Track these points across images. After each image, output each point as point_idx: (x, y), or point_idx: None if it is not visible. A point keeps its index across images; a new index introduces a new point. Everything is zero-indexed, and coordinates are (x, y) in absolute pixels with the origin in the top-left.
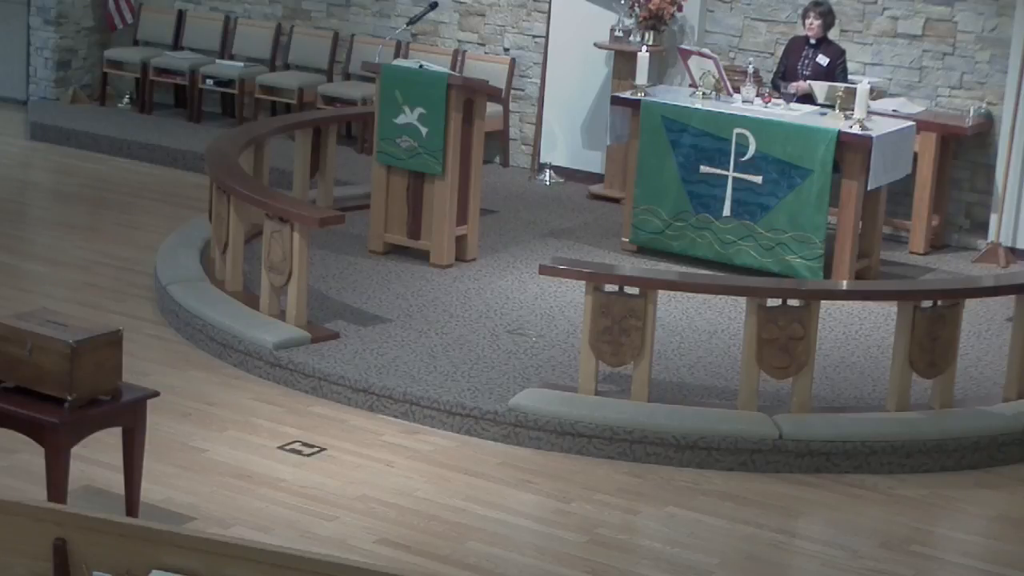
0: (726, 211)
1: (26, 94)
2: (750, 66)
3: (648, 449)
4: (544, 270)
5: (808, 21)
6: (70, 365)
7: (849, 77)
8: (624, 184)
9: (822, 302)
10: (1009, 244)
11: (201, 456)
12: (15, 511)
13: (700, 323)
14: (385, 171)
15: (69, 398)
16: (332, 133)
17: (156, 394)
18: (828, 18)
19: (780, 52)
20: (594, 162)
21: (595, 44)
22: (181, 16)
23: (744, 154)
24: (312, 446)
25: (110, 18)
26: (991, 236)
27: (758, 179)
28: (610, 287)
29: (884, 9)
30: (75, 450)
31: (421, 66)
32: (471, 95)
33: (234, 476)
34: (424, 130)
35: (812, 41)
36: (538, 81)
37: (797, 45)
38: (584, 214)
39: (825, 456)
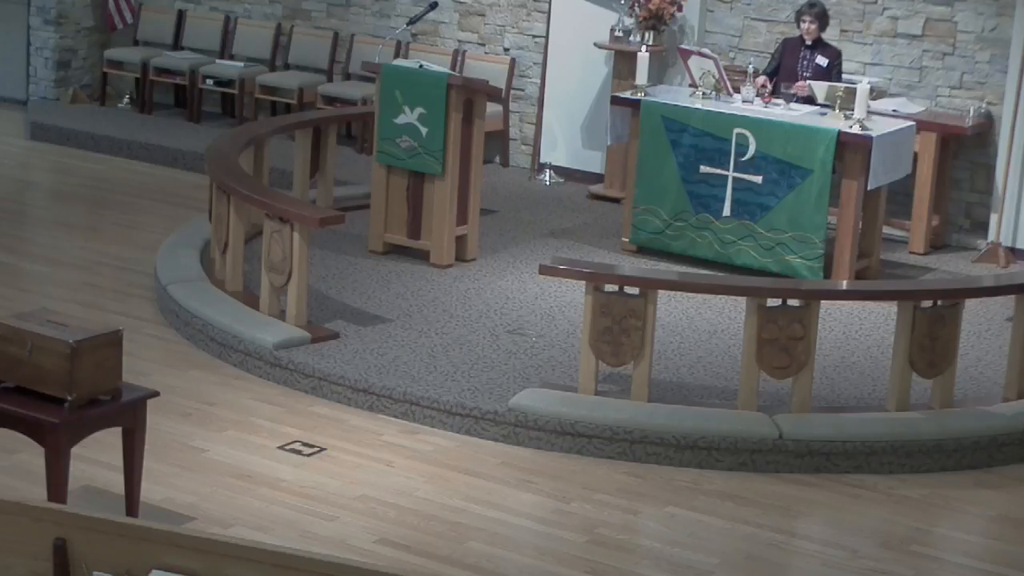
0: (726, 211)
1: (26, 94)
2: (750, 66)
3: (648, 449)
4: (544, 270)
5: (804, 24)
6: (70, 365)
7: (845, 77)
8: (624, 184)
9: (822, 302)
10: (1009, 244)
11: (201, 456)
12: (15, 511)
13: (700, 323)
14: (385, 171)
15: (69, 398)
16: (332, 133)
17: (156, 394)
18: (823, 19)
19: None
20: (594, 162)
21: (595, 44)
22: (181, 16)
23: (744, 154)
24: (312, 446)
25: (110, 18)
26: (991, 236)
27: (758, 179)
28: (610, 287)
29: (884, 9)
30: (75, 450)
31: (421, 66)
32: (471, 95)
33: (234, 476)
34: (424, 130)
35: (808, 42)
36: (538, 81)
37: (793, 46)
38: (584, 214)
39: (825, 456)
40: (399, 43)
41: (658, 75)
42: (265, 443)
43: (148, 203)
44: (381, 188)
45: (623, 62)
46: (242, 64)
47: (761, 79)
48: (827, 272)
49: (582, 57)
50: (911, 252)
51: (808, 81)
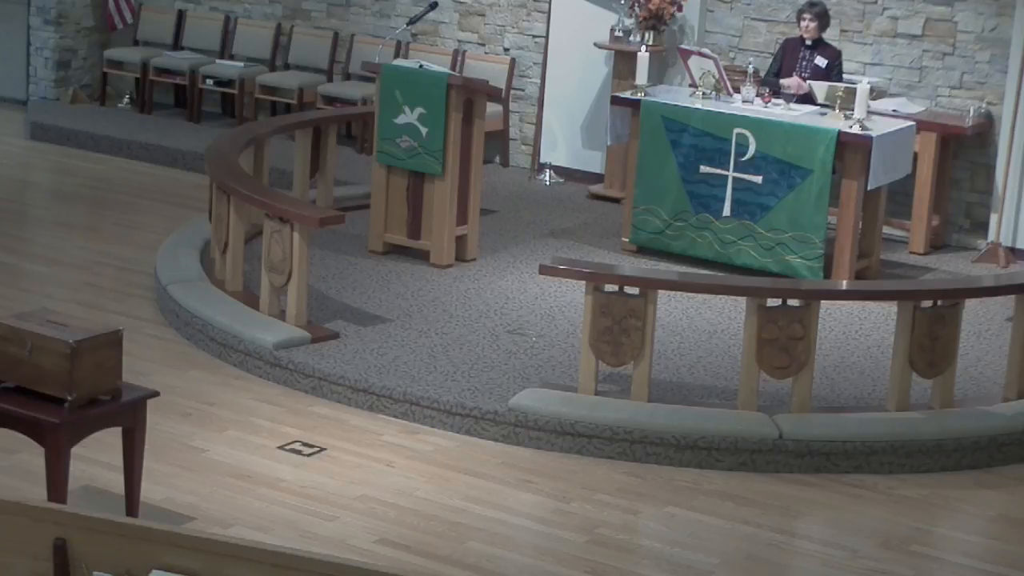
0: (726, 211)
1: (26, 94)
2: (750, 66)
3: (648, 449)
4: (544, 270)
5: (804, 23)
6: (70, 365)
7: (845, 77)
8: (624, 184)
9: (822, 302)
10: (1009, 244)
11: (201, 456)
12: (15, 511)
13: (700, 323)
14: (385, 171)
15: (69, 398)
16: (332, 133)
17: (156, 394)
18: (823, 19)
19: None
20: (594, 162)
21: (595, 44)
22: (181, 16)
23: (744, 154)
24: (312, 446)
25: (110, 18)
26: (991, 236)
27: (758, 179)
28: (610, 287)
29: (884, 9)
30: (75, 450)
31: (421, 66)
32: (471, 95)
33: (234, 476)
34: (424, 130)
35: (808, 42)
36: (538, 81)
37: (793, 46)
38: (584, 214)
39: (825, 456)
40: (399, 43)
41: (658, 75)
42: (265, 443)
43: (148, 203)
44: (381, 188)
45: (623, 62)
46: (242, 64)
47: (752, 69)
48: (827, 272)
49: (582, 57)
50: (911, 252)
51: (808, 81)
